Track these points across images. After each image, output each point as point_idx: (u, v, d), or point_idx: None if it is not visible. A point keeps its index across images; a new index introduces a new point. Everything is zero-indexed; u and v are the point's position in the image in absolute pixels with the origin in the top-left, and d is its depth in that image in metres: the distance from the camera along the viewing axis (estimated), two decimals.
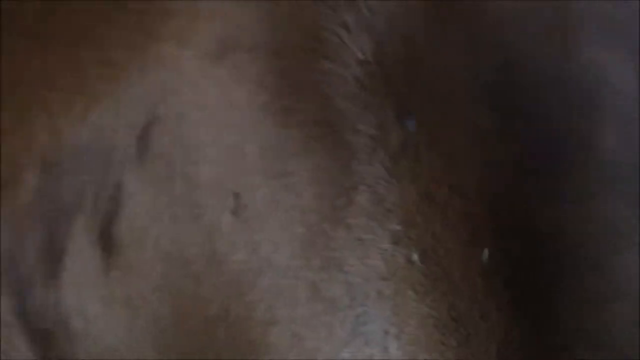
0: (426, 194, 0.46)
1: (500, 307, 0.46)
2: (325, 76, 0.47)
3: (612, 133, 0.45)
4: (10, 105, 0.46)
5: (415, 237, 0.46)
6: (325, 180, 0.46)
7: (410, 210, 0.46)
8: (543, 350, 0.46)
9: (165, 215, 0.46)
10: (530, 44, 0.45)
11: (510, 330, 0.46)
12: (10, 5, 0.49)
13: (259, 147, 0.46)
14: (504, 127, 0.45)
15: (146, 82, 0.47)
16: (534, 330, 0.46)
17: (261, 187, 0.46)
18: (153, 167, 0.46)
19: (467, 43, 0.46)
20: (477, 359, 0.45)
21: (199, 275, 0.46)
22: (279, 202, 0.46)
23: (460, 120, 0.46)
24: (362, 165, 0.46)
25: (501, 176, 0.46)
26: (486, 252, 0.46)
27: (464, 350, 0.45)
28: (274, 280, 0.46)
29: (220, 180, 0.47)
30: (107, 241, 0.46)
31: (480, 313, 0.46)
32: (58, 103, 0.46)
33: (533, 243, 0.46)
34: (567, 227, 0.45)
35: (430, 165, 0.46)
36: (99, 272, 0.46)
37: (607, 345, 0.45)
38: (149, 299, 0.46)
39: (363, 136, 0.46)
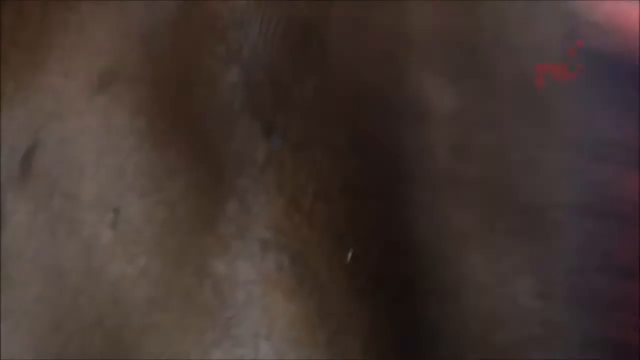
0: (292, 201, 0.50)
1: (364, 304, 0.49)
2: (199, 101, 0.51)
3: (443, 148, 0.50)
4: None
5: (285, 242, 0.49)
6: (197, 195, 0.50)
7: (279, 217, 0.50)
8: (405, 343, 0.49)
9: (45, 230, 0.49)
10: (368, 71, 0.51)
11: (374, 325, 0.49)
12: None
13: (136, 166, 0.50)
14: (355, 142, 0.50)
15: (29, 110, 0.51)
16: (396, 324, 0.49)
17: (137, 203, 0.50)
18: (34, 186, 0.49)
19: (321, 70, 0.51)
20: (345, 355, 0.48)
21: (77, 286, 0.48)
22: (154, 217, 0.49)
23: (319, 137, 0.50)
24: (231, 179, 0.50)
25: (358, 183, 0.50)
26: (350, 253, 0.50)
27: (332, 347, 0.48)
28: (149, 289, 0.48)
29: (100, 197, 0.50)
30: None
31: (346, 311, 0.49)
32: None
33: (391, 244, 0.50)
34: (419, 229, 0.50)
35: (295, 175, 0.50)
36: None
37: (456, 333, 0.48)
38: (28, 309, 0.48)
39: (232, 153, 0.50)
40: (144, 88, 0.52)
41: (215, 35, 0.52)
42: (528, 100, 0.49)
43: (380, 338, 0.48)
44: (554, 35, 0.49)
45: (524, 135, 0.49)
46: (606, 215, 0.47)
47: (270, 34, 0.52)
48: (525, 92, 0.49)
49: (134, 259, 0.49)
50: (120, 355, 0.47)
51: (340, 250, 0.50)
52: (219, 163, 0.50)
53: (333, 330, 0.49)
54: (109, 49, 0.52)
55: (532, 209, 0.48)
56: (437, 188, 0.49)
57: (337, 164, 0.50)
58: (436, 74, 0.50)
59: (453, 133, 0.50)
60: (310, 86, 0.51)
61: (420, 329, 0.48)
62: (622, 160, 0.47)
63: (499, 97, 0.49)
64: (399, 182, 0.49)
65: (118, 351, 0.47)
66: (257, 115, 0.51)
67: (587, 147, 0.48)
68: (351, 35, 0.51)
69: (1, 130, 0.50)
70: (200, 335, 0.48)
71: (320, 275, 0.49)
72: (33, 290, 0.48)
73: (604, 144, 0.48)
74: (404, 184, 0.49)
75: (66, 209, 0.50)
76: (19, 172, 0.49)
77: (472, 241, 0.49)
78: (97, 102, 0.51)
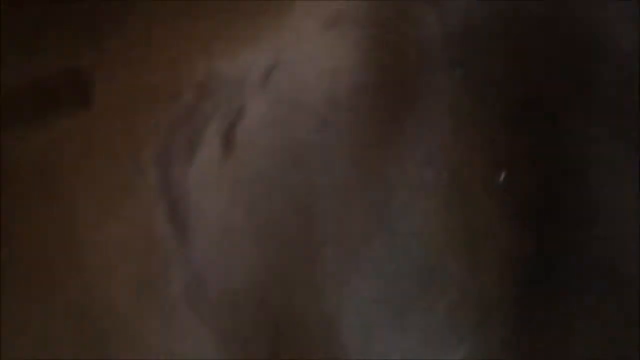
0: (458, 125, 0.57)
1: (510, 228, 0.55)
2: (404, 38, 0.61)
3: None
4: (181, 48, 0.67)
5: (446, 158, 0.57)
6: (383, 110, 0.60)
7: (445, 137, 0.58)
8: (542, 266, 0.54)
9: (276, 122, 0.63)
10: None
11: (516, 250, 0.54)
12: None
13: (347, 85, 0.62)
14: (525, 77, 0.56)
15: (277, 38, 0.65)
16: (535, 247, 0.54)
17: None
18: (269, 93, 0.64)
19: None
20: (479, 277, 0.54)
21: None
22: (352, 130, 0.61)
23: (496, 70, 0.57)
24: (414, 101, 0.59)
25: (520, 114, 0.56)
26: (503, 174, 0.56)
27: (471, 267, 0.55)
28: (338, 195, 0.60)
29: (314, 106, 0.62)
30: (227, 141, 0.64)
31: (492, 232, 0.55)
32: (217, 47, 0.66)
33: (544, 173, 0.55)
34: (571, 164, 0.54)
35: (466, 103, 0.57)
36: (218, 161, 0.64)
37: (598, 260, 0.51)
38: (249, 186, 0.63)
39: (422, 80, 0.60)
40: (363, 28, 0.63)
41: None
42: None
43: (520, 264, 0.53)
44: None
45: None
46: None
47: None
48: None
49: (328, 167, 0.60)
50: None
51: (495, 173, 0.56)
52: (407, 88, 0.60)
53: (476, 248, 0.55)
54: None
55: None
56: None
57: (505, 95, 0.56)
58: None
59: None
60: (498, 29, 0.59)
61: (563, 256, 0.52)
62: None
63: None
64: (560, 113, 0.54)
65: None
66: (447, 51, 0.59)
67: None
68: None
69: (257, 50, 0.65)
70: (365, 224, 0.58)
71: (472, 194, 0.56)
72: (257, 169, 0.62)
73: None
74: (564, 114, 0.54)
75: (289, 112, 0.63)
76: (260, 83, 0.64)
77: (625, 177, 0.52)
78: (326, 37, 0.64)
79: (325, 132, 0.61)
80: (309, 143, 0.61)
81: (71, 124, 0.70)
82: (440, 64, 0.59)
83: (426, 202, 0.57)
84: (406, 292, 0.57)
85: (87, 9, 0.70)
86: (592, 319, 0.54)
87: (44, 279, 0.69)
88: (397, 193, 0.58)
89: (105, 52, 0.70)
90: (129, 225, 0.66)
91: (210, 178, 0.64)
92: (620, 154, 0.53)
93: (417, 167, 0.58)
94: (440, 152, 0.57)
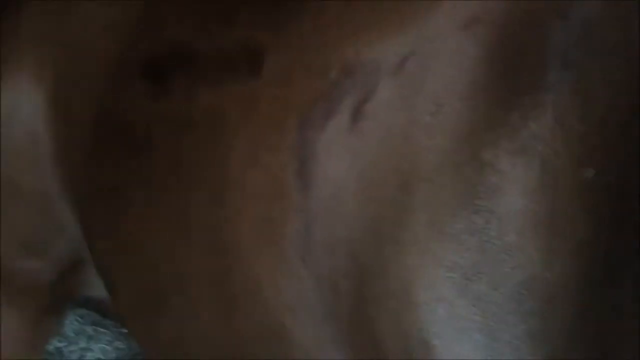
0: (559, 121, 0.61)
1: (594, 219, 0.58)
2: (520, 39, 0.67)
3: None
4: (336, 33, 0.77)
5: (540, 149, 0.61)
6: (490, 102, 0.66)
7: (544, 131, 0.62)
8: (614, 265, 0.56)
9: (399, 106, 0.71)
10: None
11: (592, 238, 0.57)
12: None
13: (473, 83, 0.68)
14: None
15: (416, 32, 0.73)
16: (612, 246, 0.57)
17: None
18: (400, 79, 0.72)
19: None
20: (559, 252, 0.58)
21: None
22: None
23: (604, 73, 0.61)
24: (520, 97, 0.64)
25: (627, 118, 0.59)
26: (592, 171, 0.59)
27: (548, 253, 0.59)
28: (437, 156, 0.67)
29: (435, 93, 0.69)
30: (355, 115, 0.73)
31: (571, 215, 0.59)
32: (364, 34, 0.75)
33: (635, 178, 0.57)
34: None
35: (568, 102, 0.62)
36: (345, 131, 0.73)
37: None
38: (364, 155, 0.71)
39: (525, 80, 0.64)
40: (494, 28, 0.69)
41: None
42: None
43: (594, 258, 0.57)
44: None
45: None
46: None
47: None
48: None
49: (433, 145, 0.67)
50: None
51: (585, 169, 0.59)
52: (520, 83, 0.65)
53: (555, 233, 0.59)
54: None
55: None
56: None
57: (616, 99, 0.60)
58: None
59: None
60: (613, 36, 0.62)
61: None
62: None
63: None
64: None
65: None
66: (565, 53, 0.64)
67: None
68: None
69: (395, 40, 0.74)
70: (454, 199, 0.64)
71: (559, 185, 0.60)
72: (380, 138, 0.71)
73: None
74: None
75: (412, 96, 0.70)
76: (394, 69, 0.72)
77: None
78: (461, 36, 0.71)
79: (439, 115, 0.68)
80: (423, 123, 0.68)
81: (240, 90, 0.83)
82: (555, 64, 0.63)
83: (513, 185, 0.61)
84: (477, 265, 0.62)
85: None
86: None
87: (185, 210, 0.83)
88: (487, 176, 0.63)
89: (280, 33, 0.83)
90: (266, 174, 0.77)
91: (336, 144, 0.73)
92: None
93: (511, 154, 0.62)
94: (535, 143, 0.62)
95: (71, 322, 1.55)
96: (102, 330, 1.56)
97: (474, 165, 0.64)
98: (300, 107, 0.77)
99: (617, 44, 0.62)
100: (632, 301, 0.56)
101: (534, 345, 0.60)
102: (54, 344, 1.56)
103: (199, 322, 0.85)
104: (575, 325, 0.58)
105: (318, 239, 0.71)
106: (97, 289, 1.16)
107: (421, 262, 0.65)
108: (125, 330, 1.40)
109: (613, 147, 0.59)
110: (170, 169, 0.86)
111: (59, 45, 0.96)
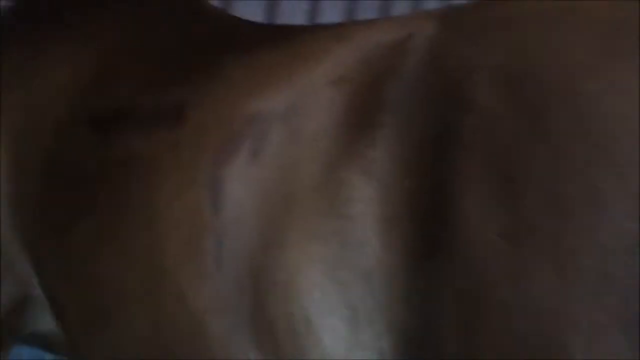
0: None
1: (412, 211, 0.80)
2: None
3: None
4: (238, 91, 1.01)
5: None
6: None
7: None
8: None
9: (290, 145, 0.93)
10: None
11: (413, 223, 0.80)
12: None
13: None
14: None
15: (297, 88, 0.97)
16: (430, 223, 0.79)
17: None
18: (287, 124, 0.95)
19: None
20: None
21: None
22: None
23: None
24: None
25: None
26: (411, 180, 0.82)
27: None
28: None
29: (317, 136, 0.92)
30: (255, 151, 0.95)
31: (396, 212, 0.81)
32: (257, 90, 0.99)
33: None
34: None
35: None
36: (247, 165, 0.95)
37: None
38: (265, 180, 0.93)
39: None
40: (352, 85, 0.93)
41: None
42: None
43: None
44: None
45: None
46: None
47: None
48: None
49: (308, 161, 0.89)
50: None
51: (407, 179, 0.82)
52: (361, 122, 0.88)
53: (394, 226, 0.81)
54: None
55: None
56: None
57: None
58: None
59: None
60: None
61: None
62: None
63: None
64: None
65: None
66: (390, 101, 0.87)
67: None
68: None
69: (280, 97, 0.97)
70: (326, 209, 0.86)
71: (390, 195, 0.82)
72: None
73: None
74: None
75: (294, 142, 0.93)
76: (282, 116, 0.95)
77: None
78: (332, 89, 0.94)
79: (314, 149, 0.90)
80: (303, 156, 0.91)
81: (167, 138, 1.05)
82: (390, 109, 0.87)
83: (365, 195, 0.83)
84: (340, 257, 0.83)
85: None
86: None
87: (124, 238, 1.03)
88: (344, 190, 0.85)
89: (200, 92, 1.05)
90: (187, 204, 0.98)
91: (239, 176, 0.95)
92: None
93: (358, 174, 0.85)
94: (374, 165, 0.84)
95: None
96: None
97: (336, 182, 0.86)
98: (213, 150, 0.99)
99: (437, 93, 0.85)
100: (451, 273, 0.77)
101: (381, 312, 0.81)
102: None
103: (135, 329, 1.04)
104: (408, 294, 0.79)
105: (228, 249, 0.92)
106: (41, 323, 1.31)
107: (300, 258, 0.86)
108: None
109: (426, 166, 0.81)
110: (111, 206, 1.06)
111: (20, 109, 1.18)
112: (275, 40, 1.05)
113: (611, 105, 0.71)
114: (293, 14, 2.53)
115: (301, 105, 0.95)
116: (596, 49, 0.75)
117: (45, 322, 1.27)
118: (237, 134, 0.98)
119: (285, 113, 0.95)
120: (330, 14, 2.61)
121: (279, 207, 0.90)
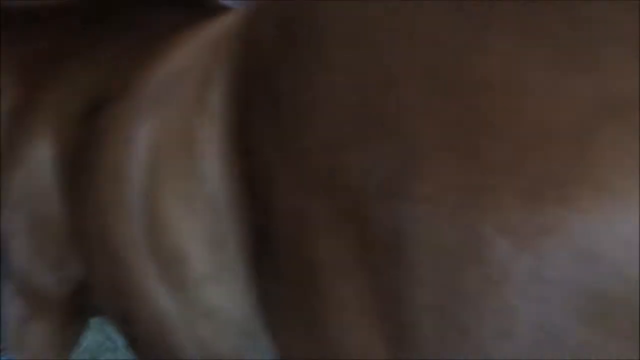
0: None
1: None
2: None
3: None
4: None
5: None
6: None
7: None
8: None
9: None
10: None
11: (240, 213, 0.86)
12: None
13: None
14: None
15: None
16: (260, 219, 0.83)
17: None
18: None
19: None
20: None
21: None
22: None
23: None
24: None
25: None
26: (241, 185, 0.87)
27: None
28: None
29: None
30: None
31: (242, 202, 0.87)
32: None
33: None
34: None
35: None
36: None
37: None
38: None
39: None
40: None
41: None
42: None
43: None
44: None
45: None
46: None
47: None
48: None
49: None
50: None
51: (235, 185, 0.88)
52: None
53: (229, 215, 0.90)
54: None
55: None
56: None
57: None
58: None
59: None
60: None
61: None
62: None
63: None
64: None
65: None
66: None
67: None
68: None
69: None
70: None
71: (219, 197, 0.93)
72: None
73: None
74: None
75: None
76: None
77: None
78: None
79: None
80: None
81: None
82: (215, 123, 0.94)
83: (215, 187, 0.89)
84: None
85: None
86: None
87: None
88: (201, 172, 0.92)
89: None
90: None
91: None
92: None
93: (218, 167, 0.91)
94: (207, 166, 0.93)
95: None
96: None
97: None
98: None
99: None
100: (283, 265, 0.78)
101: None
102: None
103: None
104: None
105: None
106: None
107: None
108: None
109: (249, 171, 0.85)
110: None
111: None
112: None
113: None
114: None
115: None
116: None
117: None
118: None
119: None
120: None
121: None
